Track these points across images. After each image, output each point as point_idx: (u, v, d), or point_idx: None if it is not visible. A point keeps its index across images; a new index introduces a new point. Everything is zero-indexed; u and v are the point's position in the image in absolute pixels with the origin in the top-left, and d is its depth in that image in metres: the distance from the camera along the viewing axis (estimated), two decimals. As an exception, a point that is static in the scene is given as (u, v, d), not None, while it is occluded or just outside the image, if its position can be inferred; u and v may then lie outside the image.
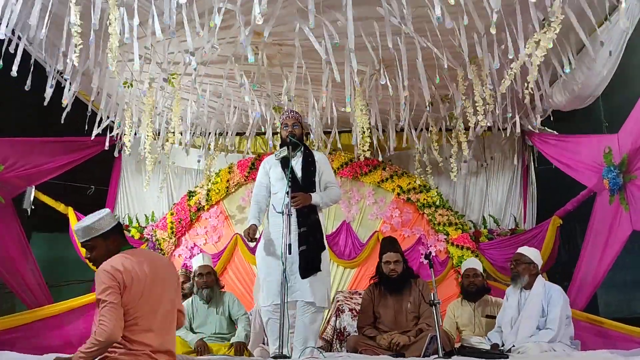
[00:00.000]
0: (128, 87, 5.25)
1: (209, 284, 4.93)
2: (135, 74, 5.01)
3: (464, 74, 4.91)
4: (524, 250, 4.42)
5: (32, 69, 4.26)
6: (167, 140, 6.04)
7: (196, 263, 5.08)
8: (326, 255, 3.94)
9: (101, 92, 5.20)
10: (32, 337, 5.02)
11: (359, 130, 5.25)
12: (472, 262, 5.24)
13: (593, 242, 4.85)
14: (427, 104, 5.56)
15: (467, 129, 5.86)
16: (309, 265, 3.76)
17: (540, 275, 4.30)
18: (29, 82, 4.21)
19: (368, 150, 5.43)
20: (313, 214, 3.90)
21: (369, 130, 5.41)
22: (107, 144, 5.93)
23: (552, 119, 5.73)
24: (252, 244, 4.01)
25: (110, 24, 3.61)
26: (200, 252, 6.59)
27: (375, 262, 6.48)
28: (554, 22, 3.68)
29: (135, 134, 5.74)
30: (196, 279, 4.95)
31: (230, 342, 4.62)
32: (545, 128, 5.95)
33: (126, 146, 5.44)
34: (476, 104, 4.82)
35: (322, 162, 4.14)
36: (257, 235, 3.98)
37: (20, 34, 4.05)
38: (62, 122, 4.81)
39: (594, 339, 4.36)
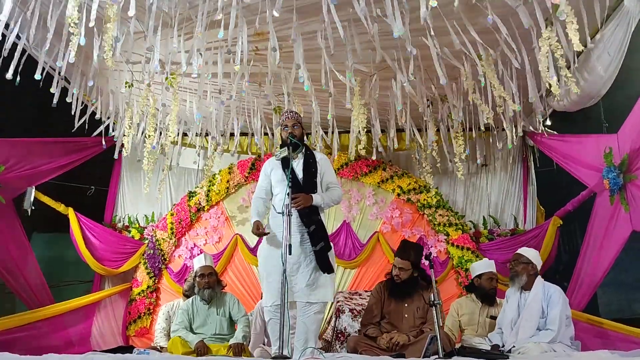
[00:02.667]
0: (129, 87, 5.25)
1: (211, 284, 4.94)
2: (135, 74, 5.02)
3: (467, 73, 4.91)
4: (523, 250, 4.44)
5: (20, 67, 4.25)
6: (171, 142, 6.04)
7: (198, 263, 5.08)
8: (332, 254, 3.94)
9: (92, 90, 5.21)
10: (33, 338, 5.03)
11: (356, 129, 5.25)
12: (493, 265, 5.09)
13: (592, 242, 4.85)
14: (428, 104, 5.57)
15: (465, 129, 5.87)
16: (328, 263, 3.78)
17: (539, 276, 4.31)
18: (15, 76, 4.20)
19: (363, 149, 5.44)
20: (315, 214, 3.88)
21: (367, 131, 5.42)
22: (103, 143, 5.94)
23: (546, 120, 5.74)
24: (265, 236, 3.96)
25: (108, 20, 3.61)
26: (201, 252, 6.60)
27: (375, 262, 6.58)
28: (568, 19, 3.67)
29: (136, 134, 5.76)
30: (198, 279, 4.95)
31: (229, 343, 4.63)
32: (546, 129, 5.96)
33: (125, 148, 5.43)
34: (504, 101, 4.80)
35: (323, 162, 4.12)
36: (267, 230, 3.96)
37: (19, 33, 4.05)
38: (86, 125, 4.79)
39: (593, 340, 4.37)
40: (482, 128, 5.65)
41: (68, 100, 5.02)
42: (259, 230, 3.87)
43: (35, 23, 3.88)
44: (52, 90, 4.64)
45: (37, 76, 4.20)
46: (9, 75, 4.11)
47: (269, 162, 4.20)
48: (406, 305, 4.36)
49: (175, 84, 5.16)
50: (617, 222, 4.41)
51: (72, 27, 3.61)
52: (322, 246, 3.77)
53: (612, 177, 4.37)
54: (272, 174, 4.08)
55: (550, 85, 4.02)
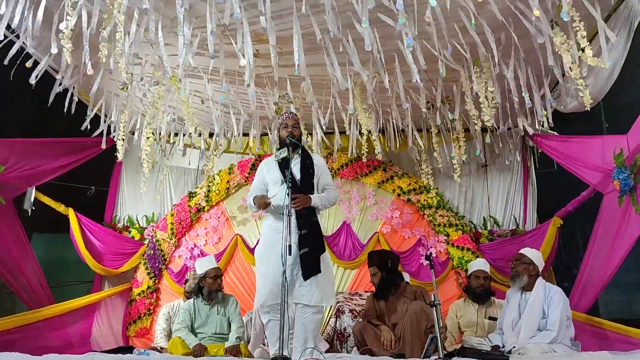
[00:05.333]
0: (126, 89, 5.25)
1: (220, 285, 4.98)
2: (134, 76, 5.00)
3: (467, 75, 4.90)
4: (525, 251, 4.46)
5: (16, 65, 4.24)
6: (169, 142, 6.05)
7: (209, 265, 5.01)
8: (326, 256, 3.94)
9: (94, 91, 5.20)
10: (33, 338, 5.03)
11: (361, 130, 5.25)
12: (482, 264, 5.20)
13: (599, 243, 4.82)
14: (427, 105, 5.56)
15: (467, 130, 5.87)
16: (311, 268, 3.76)
17: (540, 277, 4.32)
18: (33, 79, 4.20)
19: (366, 152, 5.44)
20: (312, 215, 3.89)
21: (368, 132, 5.43)
22: (103, 144, 5.92)
23: (546, 121, 5.72)
24: (271, 204, 3.96)
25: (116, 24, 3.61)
26: (201, 253, 6.61)
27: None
28: (576, 23, 3.67)
29: (133, 133, 5.74)
30: (209, 280, 4.91)
31: (225, 347, 4.62)
32: (547, 129, 5.96)
33: (119, 151, 5.42)
34: (481, 105, 4.81)
35: (320, 164, 4.14)
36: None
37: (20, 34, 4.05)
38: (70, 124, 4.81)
39: (593, 341, 4.37)
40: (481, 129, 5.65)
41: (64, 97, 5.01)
42: (263, 200, 3.92)
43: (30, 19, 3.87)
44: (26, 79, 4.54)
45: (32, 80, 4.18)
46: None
47: (265, 162, 4.21)
48: (392, 305, 4.57)
49: (176, 85, 5.15)
50: (628, 223, 4.39)
51: (64, 32, 3.61)
52: (305, 251, 3.77)
53: (623, 178, 4.34)
54: (268, 174, 4.08)
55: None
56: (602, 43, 3.69)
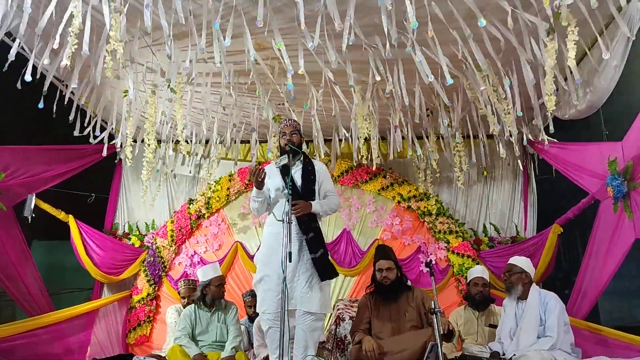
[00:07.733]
0: (127, 96, 5.26)
1: (223, 293, 5.01)
2: (135, 82, 5.02)
3: (468, 82, 4.92)
4: (515, 260, 4.41)
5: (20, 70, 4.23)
6: (170, 149, 6.05)
7: (214, 272, 5.01)
8: None
9: (96, 98, 5.22)
10: (33, 345, 5.02)
11: (359, 137, 5.26)
12: (481, 271, 5.18)
13: (595, 250, 4.84)
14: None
15: (466, 137, 5.88)
16: (328, 270, 3.79)
17: (534, 283, 4.31)
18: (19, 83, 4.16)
19: (369, 157, 5.43)
20: (314, 222, 3.89)
21: (366, 139, 5.43)
22: (105, 151, 5.91)
23: (550, 127, 5.73)
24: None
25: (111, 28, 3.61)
26: (201, 260, 6.61)
27: (376, 270, 6.56)
28: (570, 28, 3.69)
29: (135, 140, 5.75)
30: (214, 288, 4.92)
31: (221, 358, 4.62)
32: (547, 137, 5.96)
33: (127, 157, 5.42)
34: (480, 110, 4.82)
35: (321, 171, 4.13)
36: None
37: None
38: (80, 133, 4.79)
39: (594, 347, 4.36)
40: (483, 136, 5.65)
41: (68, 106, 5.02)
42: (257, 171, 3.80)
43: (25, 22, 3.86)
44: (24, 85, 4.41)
45: (28, 77, 4.07)
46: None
47: (266, 168, 4.20)
48: (394, 311, 4.25)
49: (179, 91, 5.16)
50: (621, 230, 4.39)
51: (71, 36, 3.61)
52: (322, 253, 3.77)
53: (616, 184, 4.35)
54: (269, 180, 4.08)
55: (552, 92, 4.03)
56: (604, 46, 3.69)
